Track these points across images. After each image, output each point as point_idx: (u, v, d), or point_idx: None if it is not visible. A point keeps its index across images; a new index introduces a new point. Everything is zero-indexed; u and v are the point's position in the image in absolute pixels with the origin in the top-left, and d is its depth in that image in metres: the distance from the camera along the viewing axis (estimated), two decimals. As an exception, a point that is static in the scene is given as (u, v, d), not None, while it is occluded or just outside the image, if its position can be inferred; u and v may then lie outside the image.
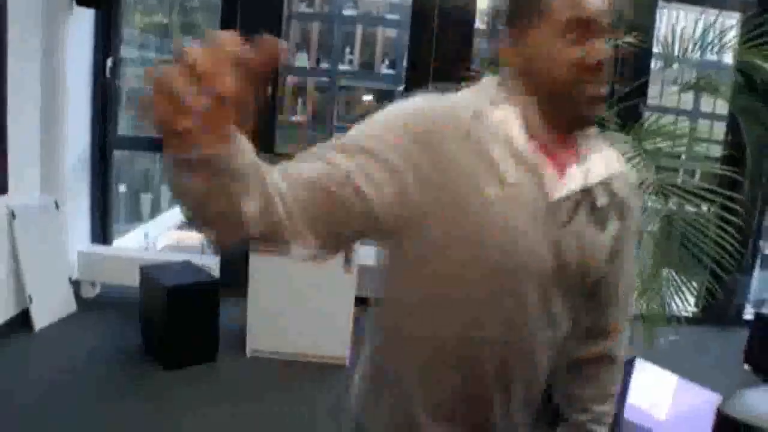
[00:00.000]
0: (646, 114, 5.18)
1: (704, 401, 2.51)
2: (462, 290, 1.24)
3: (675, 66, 5.05)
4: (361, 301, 4.45)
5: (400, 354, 1.34)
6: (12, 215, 4.49)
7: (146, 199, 7.95)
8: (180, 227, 7.78)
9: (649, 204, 4.47)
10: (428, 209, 1.19)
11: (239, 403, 3.87)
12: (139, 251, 6.03)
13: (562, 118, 1.26)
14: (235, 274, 4.75)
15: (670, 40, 4.86)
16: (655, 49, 4.92)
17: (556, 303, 1.28)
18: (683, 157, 4.81)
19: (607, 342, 1.46)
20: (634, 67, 5.02)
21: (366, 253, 3.94)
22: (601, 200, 1.28)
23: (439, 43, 5.57)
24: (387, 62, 28.76)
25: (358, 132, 1.22)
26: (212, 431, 3.56)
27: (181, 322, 4.17)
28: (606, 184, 1.29)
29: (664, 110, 6.81)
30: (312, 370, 4.30)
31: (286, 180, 1.06)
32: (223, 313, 4.42)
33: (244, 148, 0.91)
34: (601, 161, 1.29)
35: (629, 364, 2.86)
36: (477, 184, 1.19)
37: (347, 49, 30.38)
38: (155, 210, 7.99)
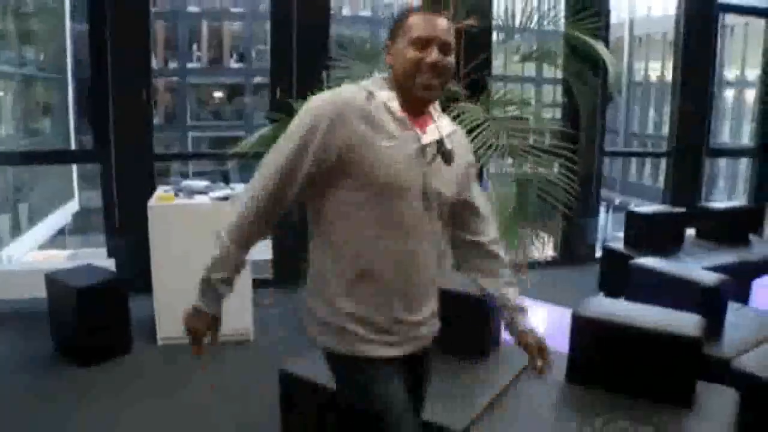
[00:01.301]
0: (494, 85, 5.81)
1: (567, 316, 3.06)
2: (382, 205, 1.89)
3: (516, 38, 5.68)
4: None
5: (332, 262, 1.97)
6: None
7: (3, 219, 7.90)
8: (42, 247, 7.75)
9: (506, 169, 5.09)
10: (354, 166, 1.86)
11: (154, 389, 4.15)
12: (28, 264, 6.11)
13: (409, 99, 1.94)
14: (132, 273, 5.03)
15: (509, 15, 5.49)
16: (499, 23, 5.50)
17: (440, 212, 2.01)
18: (531, 120, 5.40)
19: (493, 236, 2.21)
20: (478, 43, 5.55)
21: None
22: (448, 146, 1.98)
23: (300, 30, 5.92)
24: (235, 56, 28.72)
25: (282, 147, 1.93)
26: (131, 419, 3.81)
27: (93, 320, 4.41)
28: (449, 136, 2.02)
29: (511, 80, 7.49)
30: (219, 349, 4.62)
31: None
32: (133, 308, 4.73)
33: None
34: (446, 124, 2.04)
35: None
36: (373, 140, 1.86)
37: (194, 46, 30.10)
38: (14, 231, 7.93)
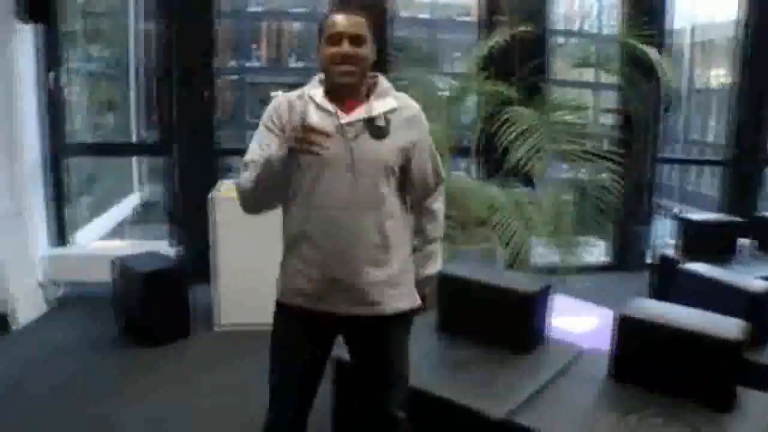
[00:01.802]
0: (550, 89, 5.90)
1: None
2: (304, 178, 2.28)
3: (573, 41, 5.76)
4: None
5: (287, 217, 2.39)
6: (-15, 225, 4.86)
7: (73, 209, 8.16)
8: (103, 238, 7.94)
9: (559, 174, 5.18)
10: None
11: (211, 372, 4.38)
12: (98, 250, 6.37)
13: (335, 88, 2.32)
14: (195, 264, 5.25)
15: (564, 21, 5.56)
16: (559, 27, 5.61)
17: (375, 183, 2.30)
18: (584, 124, 5.46)
19: (430, 204, 2.54)
20: (534, 48, 5.66)
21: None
22: (379, 123, 2.30)
23: None
24: (295, 56, 29.05)
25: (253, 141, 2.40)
26: (188, 397, 4.04)
27: (155, 304, 4.67)
28: (385, 115, 2.31)
29: (570, 84, 7.54)
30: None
31: None
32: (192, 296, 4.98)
33: None
34: (381, 104, 2.33)
35: (550, 297, 3.50)
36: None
37: (254, 46, 30.55)
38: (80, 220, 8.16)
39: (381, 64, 5.53)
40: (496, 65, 5.43)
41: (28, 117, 5.61)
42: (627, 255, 7.08)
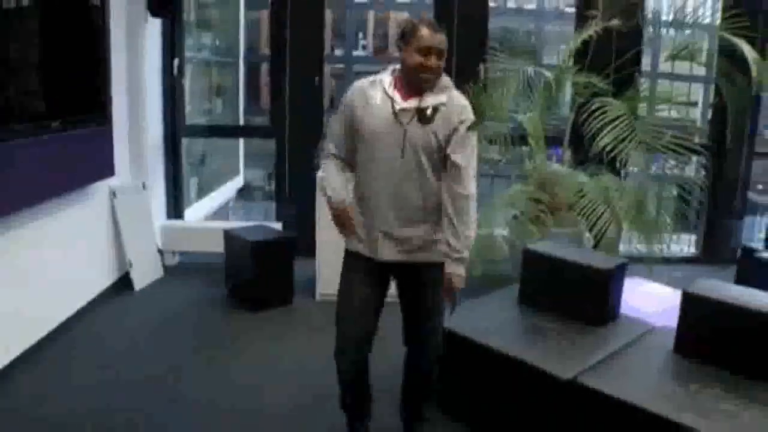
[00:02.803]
0: (642, 81, 6.03)
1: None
2: (367, 151, 2.86)
3: (670, 32, 5.87)
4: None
5: (356, 182, 2.97)
6: (113, 194, 5.42)
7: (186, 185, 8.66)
8: (210, 216, 8.45)
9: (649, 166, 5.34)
10: (356, 126, 2.87)
11: (311, 335, 4.79)
12: (210, 223, 6.93)
13: (412, 85, 2.80)
14: (300, 239, 5.66)
15: (660, 13, 5.70)
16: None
17: (418, 161, 2.81)
18: (674, 117, 5.59)
19: (454, 186, 2.85)
20: (628, 40, 5.79)
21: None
22: (428, 113, 2.79)
23: (460, 23, 6.24)
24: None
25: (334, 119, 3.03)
26: (289, 357, 4.47)
27: (263, 272, 5.14)
28: (435, 107, 2.79)
29: (663, 77, 7.62)
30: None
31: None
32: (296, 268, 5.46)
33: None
34: (432, 99, 2.80)
35: (624, 275, 3.74)
36: (364, 109, 2.84)
37: (360, 35, 31.12)
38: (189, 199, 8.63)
39: (480, 55, 5.86)
40: (590, 57, 5.61)
41: (153, 100, 6.17)
42: (717, 249, 7.10)
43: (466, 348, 3.48)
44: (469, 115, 2.87)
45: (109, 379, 4.05)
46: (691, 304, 3.25)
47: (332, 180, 2.98)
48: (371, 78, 2.93)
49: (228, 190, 9.72)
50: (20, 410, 3.63)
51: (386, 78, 2.87)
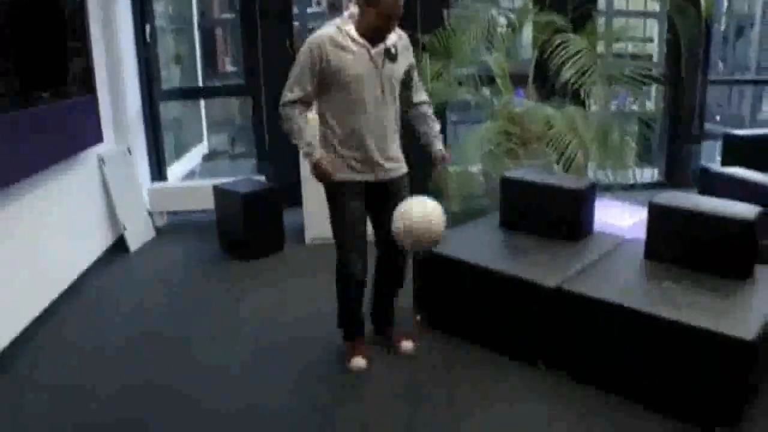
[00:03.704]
0: (597, 18, 6.32)
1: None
2: (350, 94, 3.28)
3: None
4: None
5: (336, 123, 3.36)
6: (102, 161, 5.61)
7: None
8: (185, 178, 8.56)
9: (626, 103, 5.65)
10: (332, 72, 3.24)
11: (303, 277, 5.09)
12: (194, 183, 7.14)
13: (375, 35, 3.24)
14: (282, 193, 5.91)
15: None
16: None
17: (391, 91, 3.37)
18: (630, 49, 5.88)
19: (419, 94, 3.64)
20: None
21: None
22: (393, 51, 3.31)
23: None
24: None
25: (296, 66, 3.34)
26: (285, 297, 4.76)
27: (254, 221, 5.42)
28: (394, 45, 3.32)
29: (620, 14, 7.90)
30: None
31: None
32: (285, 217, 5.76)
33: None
34: (391, 39, 3.30)
35: (595, 195, 4.08)
36: (340, 57, 3.21)
37: (314, -8, 30.98)
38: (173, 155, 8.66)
39: (442, 1, 6.09)
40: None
41: (129, 66, 6.33)
42: (679, 173, 7.46)
43: (453, 268, 3.85)
44: (409, 41, 3.51)
45: (116, 337, 4.27)
46: (656, 213, 3.60)
47: (305, 134, 3.36)
48: (330, 27, 3.29)
49: (194, 156, 9.83)
50: (28, 379, 3.77)
51: (350, 27, 3.25)
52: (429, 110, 3.64)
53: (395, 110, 3.47)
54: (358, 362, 3.67)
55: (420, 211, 3.23)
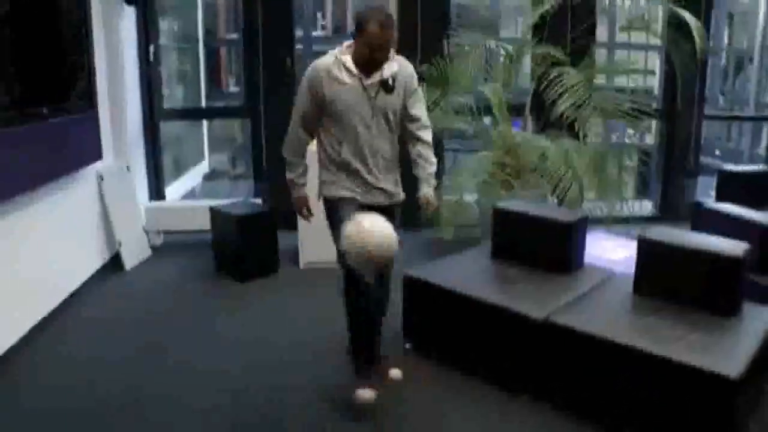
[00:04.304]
0: (595, 51, 6.39)
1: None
2: (342, 123, 3.37)
3: (626, 4, 6.23)
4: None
5: (330, 148, 3.47)
6: (101, 177, 5.66)
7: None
8: (184, 197, 8.60)
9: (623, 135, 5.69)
10: (326, 102, 3.35)
11: (297, 299, 5.12)
12: (194, 202, 7.17)
13: (367, 64, 3.28)
14: (279, 215, 5.94)
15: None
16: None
17: (385, 122, 3.42)
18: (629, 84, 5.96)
19: (419, 133, 3.57)
20: (583, 11, 6.13)
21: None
22: (390, 83, 3.35)
23: (423, 1, 6.50)
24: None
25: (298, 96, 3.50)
26: (279, 319, 4.78)
27: (249, 244, 5.45)
28: (392, 77, 3.35)
29: (619, 47, 7.99)
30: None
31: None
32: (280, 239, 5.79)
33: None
34: (388, 70, 3.33)
35: (586, 227, 4.12)
36: (333, 88, 3.31)
37: (318, 15, 31.08)
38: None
39: (441, 30, 6.17)
40: (548, 29, 5.95)
41: (132, 84, 6.39)
42: (673, 207, 7.49)
43: (442, 297, 3.88)
44: (415, 74, 3.53)
45: (111, 353, 4.29)
46: (645, 248, 3.64)
47: (297, 169, 3.60)
48: (328, 57, 3.37)
49: (195, 174, 9.86)
50: (20, 392, 3.82)
51: (347, 58, 3.31)
52: (424, 150, 3.59)
53: (391, 141, 3.52)
54: (365, 394, 3.52)
55: (377, 229, 3.09)
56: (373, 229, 3.05)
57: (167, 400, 3.69)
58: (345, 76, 3.31)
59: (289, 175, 3.62)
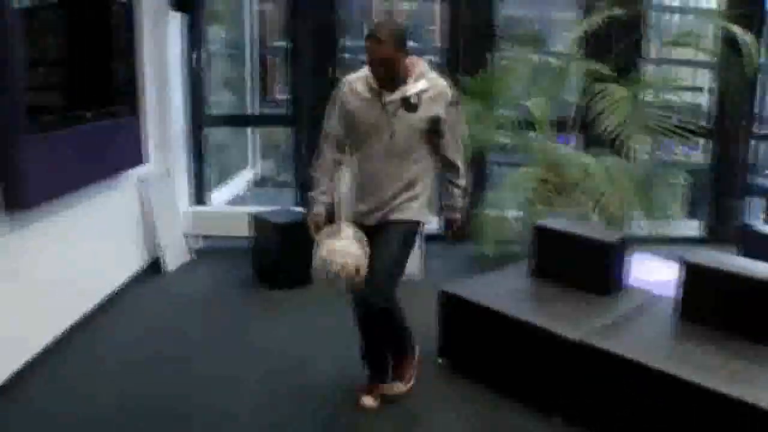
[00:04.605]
0: (642, 66, 6.28)
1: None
2: (360, 140, 3.34)
3: (674, 18, 6.12)
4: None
5: (354, 171, 3.42)
6: (143, 181, 5.71)
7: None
8: (231, 203, 8.66)
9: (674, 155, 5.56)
10: (348, 116, 3.32)
11: (332, 311, 5.02)
12: (234, 208, 7.21)
13: (378, 81, 3.21)
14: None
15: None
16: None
17: (405, 140, 3.27)
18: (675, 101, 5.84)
19: (452, 159, 3.44)
20: (629, 26, 6.01)
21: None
22: (413, 101, 3.21)
23: (468, 13, 6.42)
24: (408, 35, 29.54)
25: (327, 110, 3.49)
26: (312, 327, 4.79)
27: (288, 252, 5.43)
28: (417, 94, 3.21)
29: (667, 62, 7.83)
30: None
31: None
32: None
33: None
34: (413, 87, 3.21)
35: (628, 248, 4.02)
36: (354, 103, 3.28)
37: (364, 25, 31.30)
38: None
39: (487, 44, 6.12)
40: (594, 44, 5.86)
41: (177, 90, 6.46)
42: (721, 229, 7.31)
43: (477, 314, 3.82)
44: (449, 93, 3.34)
45: (147, 355, 4.34)
46: (690, 271, 3.53)
47: (320, 184, 3.48)
48: (361, 71, 3.34)
49: (240, 180, 9.92)
50: (57, 394, 3.87)
51: (369, 72, 3.25)
52: (453, 176, 3.51)
53: (415, 161, 3.36)
54: (367, 401, 3.64)
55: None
56: (340, 249, 3.25)
57: (195, 405, 3.73)
58: (366, 92, 3.26)
59: (310, 192, 3.51)
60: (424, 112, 3.26)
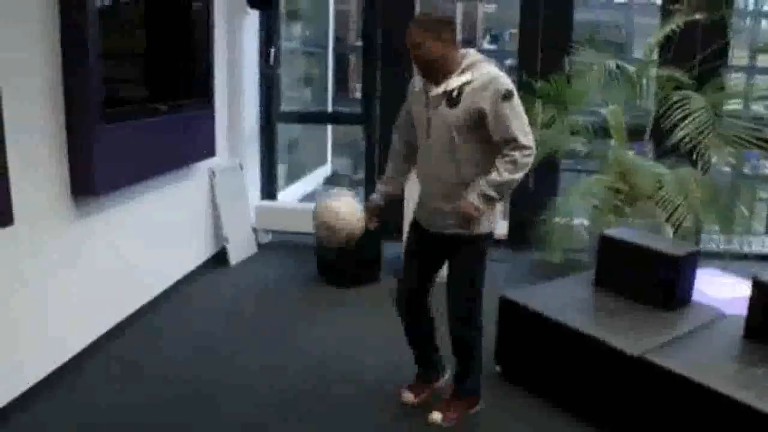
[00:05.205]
0: (726, 74, 6.04)
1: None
2: (419, 139, 3.27)
3: (763, 24, 5.88)
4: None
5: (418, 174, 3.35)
6: (213, 173, 5.81)
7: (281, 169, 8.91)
8: (304, 199, 8.74)
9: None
10: (409, 113, 3.35)
11: (391, 311, 5.05)
12: (303, 204, 7.28)
13: (424, 73, 3.11)
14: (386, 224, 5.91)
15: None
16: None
17: (441, 137, 3.10)
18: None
19: (509, 142, 3.00)
20: (713, 33, 5.78)
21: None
22: (454, 94, 3.01)
23: (546, 17, 6.31)
24: (488, 37, 29.25)
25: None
26: (375, 328, 4.73)
27: (352, 250, 5.39)
28: (459, 88, 3.00)
29: (758, 70, 7.55)
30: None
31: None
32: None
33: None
34: (456, 80, 3.01)
35: (696, 262, 3.88)
36: (411, 98, 3.30)
37: (448, 26, 31.06)
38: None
39: (564, 48, 5.98)
40: (674, 50, 5.65)
41: (251, 87, 6.55)
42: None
43: (536, 322, 3.73)
44: (500, 86, 2.97)
45: (206, 345, 4.45)
46: (760, 291, 3.38)
47: (387, 168, 3.58)
48: None
49: (316, 177, 10.03)
50: (119, 373, 4.06)
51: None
52: (499, 163, 3.00)
53: (455, 161, 3.09)
54: (406, 396, 3.72)
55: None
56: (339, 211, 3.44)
57: (238, 393, 3.81)
58: (419, 85, 3.22)
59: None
60: (465, 105, 2.99)
